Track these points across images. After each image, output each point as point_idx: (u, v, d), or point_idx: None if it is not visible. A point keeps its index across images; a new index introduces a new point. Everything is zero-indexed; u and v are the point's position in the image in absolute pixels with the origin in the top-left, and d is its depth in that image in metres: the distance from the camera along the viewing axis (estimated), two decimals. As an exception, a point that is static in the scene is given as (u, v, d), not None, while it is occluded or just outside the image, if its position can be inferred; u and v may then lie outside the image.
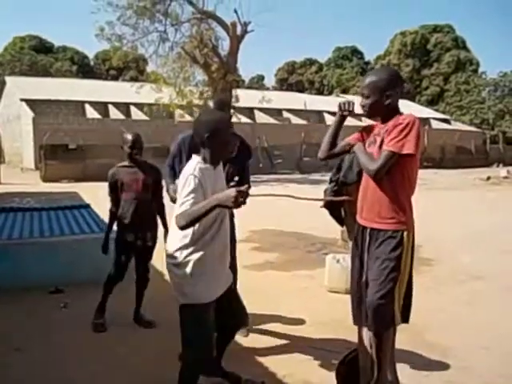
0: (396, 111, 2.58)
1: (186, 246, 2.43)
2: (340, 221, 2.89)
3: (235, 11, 21.33)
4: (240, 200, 2.23)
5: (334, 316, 4.23)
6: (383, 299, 2.45)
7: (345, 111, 2.68)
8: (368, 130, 2.74)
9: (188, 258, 2.42)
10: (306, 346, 3.65)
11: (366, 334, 2.64)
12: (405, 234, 2.47)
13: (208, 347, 2.50)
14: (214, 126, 2.44)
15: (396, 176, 2.46)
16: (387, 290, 2.45)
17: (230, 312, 2.71)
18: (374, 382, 2.60)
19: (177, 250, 2.45)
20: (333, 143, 2.78)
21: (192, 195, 2.31)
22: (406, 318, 2.62)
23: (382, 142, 2.52)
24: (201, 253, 2.42)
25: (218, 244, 2.50)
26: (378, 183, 2.49)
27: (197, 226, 2.38)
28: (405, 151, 2.42)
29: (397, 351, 2.80)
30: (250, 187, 2.35)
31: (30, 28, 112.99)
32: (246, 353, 3.54)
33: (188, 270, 2.42)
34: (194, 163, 2.45)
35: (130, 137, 3.96)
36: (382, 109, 2.57)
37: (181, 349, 2.59)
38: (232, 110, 22.80)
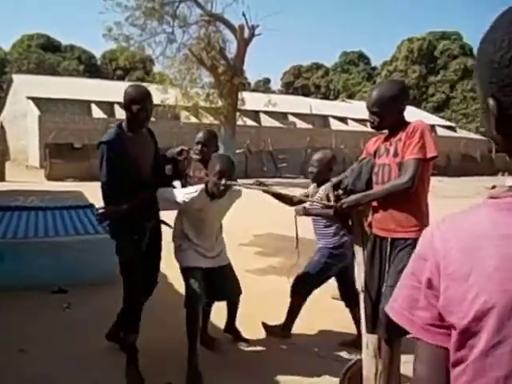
0: (404, 121, 2.62)
1: (175, 230, 3.54)
2: (348, 229, 2.88)
3: (243, 14, 21.37)
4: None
5: (337, 323, 4.21)
6: None
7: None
8: (372, 144, 2.78)
9: (175, 237, 3.52)
10: (309, 354, 3.64)
11: (371, 343, 2.63)
12: None
13: (195, 297, 3.26)
14: None
15: (418, 182, 2.46)
16: None
17: (224, 285, 3.56)
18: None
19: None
20: None
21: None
22: None
23: (395, 150, 2.54)
24: (181, 237, 3.46)
25: (193, 230, 3.43)
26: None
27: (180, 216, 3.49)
28: (429, 155, 2.46)
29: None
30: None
31: (38, 26, 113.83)
32: (249, 361, 3.54)
33: (174, 244, 3.53)
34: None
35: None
36: (394, 123, 2.62)
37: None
38: (238, 113, 22.92)
